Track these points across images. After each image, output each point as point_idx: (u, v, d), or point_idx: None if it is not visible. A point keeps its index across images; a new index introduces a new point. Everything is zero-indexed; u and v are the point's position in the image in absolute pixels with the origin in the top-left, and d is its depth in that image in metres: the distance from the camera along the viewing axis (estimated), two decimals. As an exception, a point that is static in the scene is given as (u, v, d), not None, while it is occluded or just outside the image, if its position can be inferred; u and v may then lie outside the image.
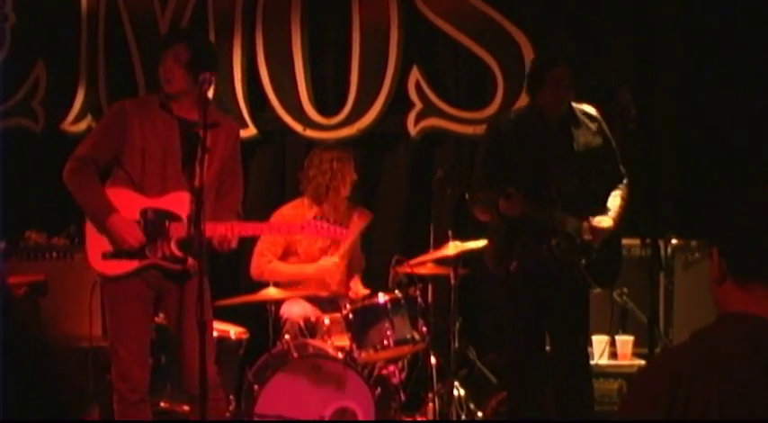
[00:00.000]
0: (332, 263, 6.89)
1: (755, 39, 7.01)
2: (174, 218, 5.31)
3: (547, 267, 5.78)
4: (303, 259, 6.97)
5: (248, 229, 5.57)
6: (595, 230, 5.79)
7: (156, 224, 5.31)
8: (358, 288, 7.02)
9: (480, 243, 6.45)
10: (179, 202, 5.31)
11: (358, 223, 6.94)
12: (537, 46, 7.40)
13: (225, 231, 5.27)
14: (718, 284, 2.57)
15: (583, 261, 5.77)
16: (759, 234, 2.53)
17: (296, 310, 6.73)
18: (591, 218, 5.80)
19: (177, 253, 5.31)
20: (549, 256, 5.75)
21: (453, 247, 6.50)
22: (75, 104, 8.30)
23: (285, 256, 6.98)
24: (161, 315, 5.67)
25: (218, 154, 5.33)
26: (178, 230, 5.30)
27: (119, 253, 5.30)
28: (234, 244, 5.38)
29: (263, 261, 6.91)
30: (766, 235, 2.52)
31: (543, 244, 5.75)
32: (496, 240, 5.98)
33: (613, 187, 5.95)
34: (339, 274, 6.99)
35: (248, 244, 6.98)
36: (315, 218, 5.77)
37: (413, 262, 6.57)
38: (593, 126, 5.91)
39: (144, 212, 5.31)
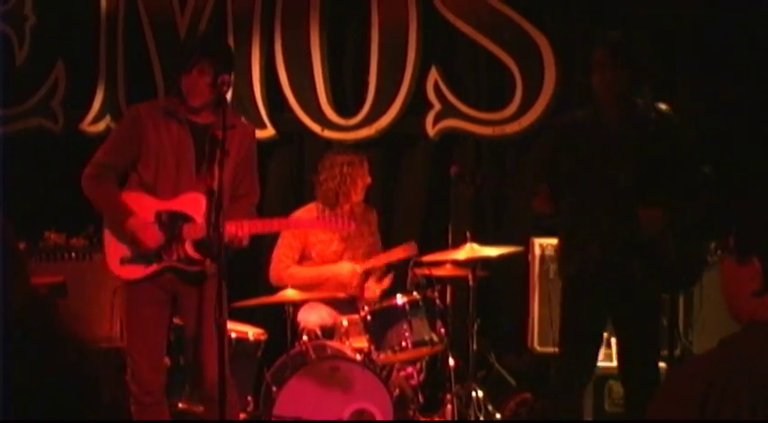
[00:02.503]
0: (350, 268, 6.87)
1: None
2: (188, 219, 5.31)
3: (600, 270, 5.48)
4: (318, 263, 6.95)
5: (258, 226, 5.52)
6: (645, 219, 5.41)
7: (170, 226, 5.31)
8: (373, 288, 6.99)
9: (496, 251, 6.45)
10: (193, 204, 5.30)
11: (401, 254, 6.86)
12: (556, 46, 7.38)
13: (235, 231, 5.26)
14: (756, 297, 2.51)
15: (638, 263, 5.41)
16: None
17: (313, 317, 6.71)
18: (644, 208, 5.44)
19: (192, 254, 5.31)
20: (595, 258, 5.47)
21: (468, 251, 6.47)
22: (94, 105, 8.32)
23: (301, 260, 6.97)
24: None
25: (232, 156, 5.31)
26: (192, 232, 5.29)
27: (136, 257, 5.31)
28: (245, 242, 5.37)
29: (281, 267, 6.89)
30: None
31: (591, 246, 5.48)
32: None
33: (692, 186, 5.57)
34: (356, 279, 6.96)
35: (266, 245, 6.98)
36: (323, 212, 5.78)
37: (428, 258, 6.55)
38: (663, 125, 5.60)
39: (158, 215, 5.32)
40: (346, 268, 6.89)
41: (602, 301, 5.55)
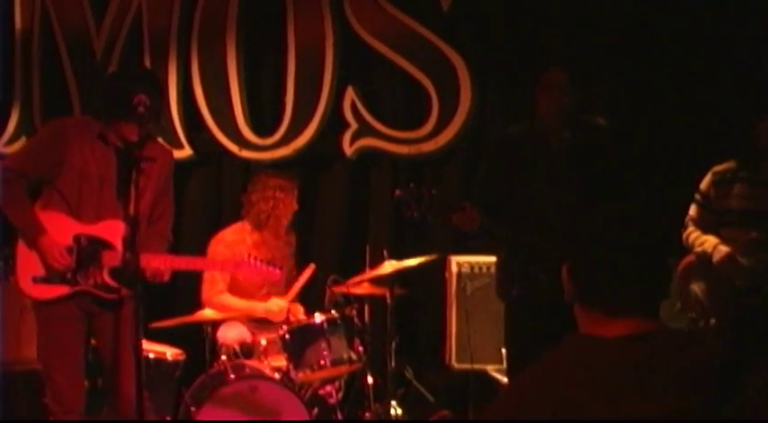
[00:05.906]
0: (278, 306, 6.84)
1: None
2: (108, 246, 5.26)
3: (541, 295, 5.23)
4: (245, 288, 6.89)
5: (182, 263, 5.56)
6: None
7: (89, 251, 5.26)
8: (298, 313, 7.00)
9: (415, 261, 6.50)
10: (113, 231, 5.26)
11: (305, 276, 6.89)
12: (471, 66, 7.45)
13: (159, 265, 5.27)
14: (570, 302, 2.56)
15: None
16: (601, 259, 2.49)
17: (231, 334, 6.70)
18: None
19: (109, 282, 5.27)
20: (537, 283, 5.30)
21: (389, 267, 6.52)
22: (9, 126, 8.26)
23: (232, 282, 6.95)
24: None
25: (152, 184, 5.32)
26: (111, 259, 5.25)
27: (49, 278, 5.24)
28: (166, 277, 5.37)
29: (214, 291, 6.85)
30: (609, 260, 2.48)
31: (533, 270, 5.33)
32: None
33: None
34: (284, 313, 6.95)
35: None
36: (249, 257, 5.79)
37: (350, 282, 6.59)
38: (601, 140, 5.49)
39: (77, 239, 5.26)
40: (275, 306, 6.84)
41: (546, 323, 5.10)
